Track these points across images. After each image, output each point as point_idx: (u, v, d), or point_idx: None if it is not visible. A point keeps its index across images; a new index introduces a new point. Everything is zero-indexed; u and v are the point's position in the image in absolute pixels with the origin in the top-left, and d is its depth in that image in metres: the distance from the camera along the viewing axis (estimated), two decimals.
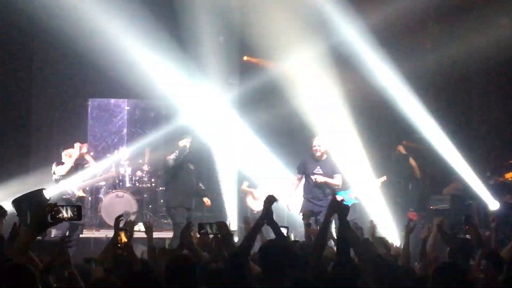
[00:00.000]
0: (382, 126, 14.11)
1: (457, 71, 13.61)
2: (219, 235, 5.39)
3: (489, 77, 14.09)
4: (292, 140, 14.09)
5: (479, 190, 12.49)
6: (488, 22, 13.33)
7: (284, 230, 6.85)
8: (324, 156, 10.85)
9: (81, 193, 11.25)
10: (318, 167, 10.79)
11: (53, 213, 3.67)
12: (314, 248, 5.38)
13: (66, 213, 3.72)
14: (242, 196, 13.80)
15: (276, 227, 5.28)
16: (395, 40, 13.34)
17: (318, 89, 13.28)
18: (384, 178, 12.26)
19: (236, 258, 4.71)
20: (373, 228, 8.04)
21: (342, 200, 5.53)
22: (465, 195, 12.68)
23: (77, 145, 11.18)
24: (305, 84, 13.31)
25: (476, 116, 14.41)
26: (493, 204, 12.21)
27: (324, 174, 10.71)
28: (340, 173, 10.82)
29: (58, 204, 3.79)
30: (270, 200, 5.27)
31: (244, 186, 13.29)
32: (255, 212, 13.03)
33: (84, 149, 11.24)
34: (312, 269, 5.11)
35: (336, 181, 10.69)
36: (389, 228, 12.13)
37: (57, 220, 3.70)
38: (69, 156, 11.10)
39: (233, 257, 4.71)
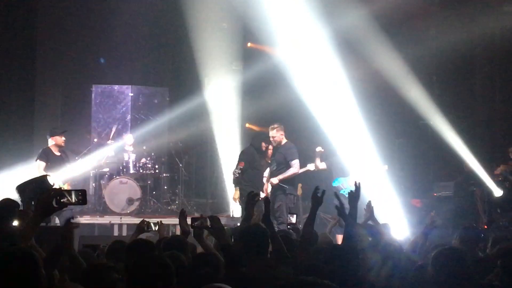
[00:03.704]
0: (386, 113, 14.09)
1: (460, 57, 13.56)
2: (211, 228, 5.45)
3: (493, 63, 14.06)
4: (296, 126, 14.08)
5: (482, 177, 12.49)
6: (492, 8, 13.28)
7: (293, 217, 6.95)
8: (282, 143, 10.80)
9: (66, 187, 10.93)
10: (274, 157, 10.81)
11: (58, 197, 3.68)
12: (300, 243, 5.45)
13: (70, 198, 3.74)
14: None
15: (270, 225, 5.36)
16: (399, 26, 13.30)
17: (322, 75, 13.26)
18: (386, 167, 12.25)
19: (230, 250, 4.79)
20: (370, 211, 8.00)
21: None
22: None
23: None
24: (309, 70, 13.29)
25: (480, 103, 14.39)
26: (496, 191, 12.21)
27: (277, 162, 10.67)
28: (297, 158, 10.68)
29: (63, 189, 3.81)
30: (252, 198, 5.39)
31: None
32: (260, 198, 13.02)
33: None
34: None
35: (290, 171, 10.59)
36: (393, 215, 12.15)
37: (62, 205, 3.71)
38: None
39: (226, 250, 4.79)
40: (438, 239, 7.55)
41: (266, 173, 12.95)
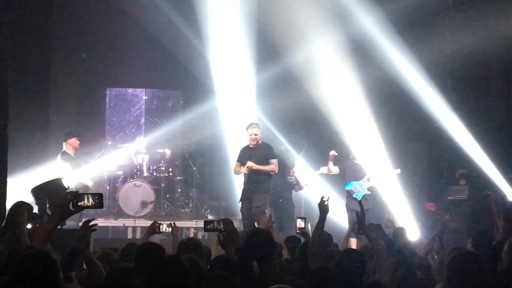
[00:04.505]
0: (400, 116, 14.05)
1: (476, 60, 13.49)
2: (224, 231, 5.47)
3: (509, 66, 13.95)
4: (310, 130, 14.08)
5: (497, 181, 12.43)
6: (507, 11, 13.21)
7: (302, 221, 6.99)
8: (260, 142, 10.76)
9: (89, 182, 11.69)
10: (251, 155, 10.62)
11: (74, 201, 3.70)
12: (310, 247, 5.46)
13: (87, 201, 3.75)
14: None
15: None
16: (413, 29, 13.26)
17: (336, 79, 13.25)
18: (399, 171, 12.22)
19: (243, 253, 4.82)
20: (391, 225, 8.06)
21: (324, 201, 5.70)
22: None
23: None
24: (323, 74, 13.29)
25: (495, 106, 14.29)
26: (511, 195, 12.14)
27: (257, 160, 10.51)
28: (276, 158, 10.71)
29: (79, 192, 3.82)
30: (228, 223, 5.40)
31: None
32: None
33: None
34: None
35: (270, 166, 10.57)
36: (407, 219, 12.12)
37: (78, 208, 3.73)
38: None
39: (239, 253, 4.82)
40: (453, 243, 7.54)
41: None
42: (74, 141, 11.65)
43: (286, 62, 13.71)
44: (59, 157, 11.59)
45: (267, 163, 10.57)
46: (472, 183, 13.03)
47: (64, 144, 11.73)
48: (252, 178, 10.56)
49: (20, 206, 6.36)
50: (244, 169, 10.54)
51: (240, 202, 10.83)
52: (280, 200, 11.49)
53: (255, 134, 10.62)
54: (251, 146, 10.72)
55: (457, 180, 13.33)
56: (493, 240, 6.52)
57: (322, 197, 5.71)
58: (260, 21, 13.72)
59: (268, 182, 10.65)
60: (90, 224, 4.25)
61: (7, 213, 6.47)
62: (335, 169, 11.88)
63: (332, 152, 11.82)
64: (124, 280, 3.81)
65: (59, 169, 11.32)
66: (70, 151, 11.65)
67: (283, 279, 4.77)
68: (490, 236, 6.98)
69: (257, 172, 10.49)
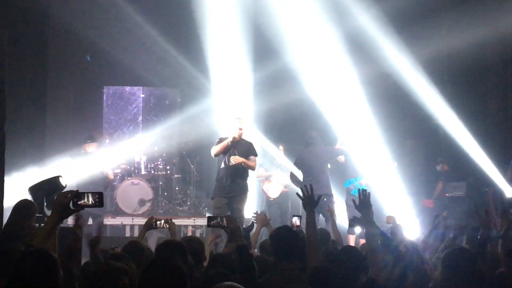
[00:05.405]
0: (397, 113, 14.05)
1: (473, 57, 13.50)
2: (227, 228, 5.49)
3: (506, 63, 13.97)
4: (307, 127, 14.07)
5: (495, 178, 12.45)
6: (504, 7, 13.22)
7: (298, 219, 6.98)
8: (242, 136, 10.47)
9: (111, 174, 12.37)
10: (234, 146, 10.29)
11: (74, 199, 3.70)
12: (308, 245, 5.46)
13: (87, 200, 3.75)
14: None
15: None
16: (410, 25, 13.27)
17: (334, 76, 13.25)
18: (395, 164, 12.23)
19: (245, 250, 4.85)
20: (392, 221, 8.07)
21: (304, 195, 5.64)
22: None
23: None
24: (320, 71, 13.29)
25: (493, 103, 14.31)
26: (509, 192, 12.15)
27: (239, 154, 10.21)
28: (257, 155, 10.51)
29: (79, 191, 3.81)
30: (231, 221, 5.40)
31: (260, 172, 13.27)
32: (271, 199, 13.06)
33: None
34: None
35: (252, 163, 10.33)
36: (405, 216, 12.14)
37: (79, 207, 3.72)
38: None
39: (242, 249, 4.84)
40: (450, 240, 7.52)
41: (262, 171, 12.97)
42: (94, 145, 12.31)
43: (283, 59, 13.71)
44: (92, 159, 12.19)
45: (247, 159, 10.30)
46: (448, 184, 13.16)
47: (91, 145, 12.28)
48: (232, 173, 10.19)
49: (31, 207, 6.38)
50: (230, 138, 10.16)
51: (213, 198, 10.40)
52: (325, 199, 10.98)
53: (241, 129, 10.33)
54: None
55: (438, 174, 13.38)
56: (483, 235, 6.53)
57: (302, 192, 5.61)
58: (257, 18, 13.71)
59: (247, 180, 10.43)
60: (78, 219, 4.20)
61: (12, 211, 6.49)
62: (341, 158, 11.86)
63: (340, 142, 11.83)
64: (109, 280, 3.73)
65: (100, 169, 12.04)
66: (93, 150, 12.30)
67: (300, 278, 4.76)
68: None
69: (236, 167, 10.15)
